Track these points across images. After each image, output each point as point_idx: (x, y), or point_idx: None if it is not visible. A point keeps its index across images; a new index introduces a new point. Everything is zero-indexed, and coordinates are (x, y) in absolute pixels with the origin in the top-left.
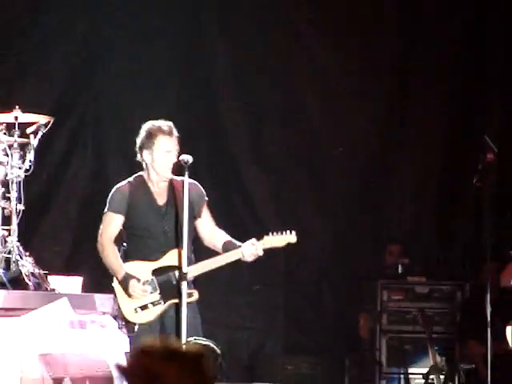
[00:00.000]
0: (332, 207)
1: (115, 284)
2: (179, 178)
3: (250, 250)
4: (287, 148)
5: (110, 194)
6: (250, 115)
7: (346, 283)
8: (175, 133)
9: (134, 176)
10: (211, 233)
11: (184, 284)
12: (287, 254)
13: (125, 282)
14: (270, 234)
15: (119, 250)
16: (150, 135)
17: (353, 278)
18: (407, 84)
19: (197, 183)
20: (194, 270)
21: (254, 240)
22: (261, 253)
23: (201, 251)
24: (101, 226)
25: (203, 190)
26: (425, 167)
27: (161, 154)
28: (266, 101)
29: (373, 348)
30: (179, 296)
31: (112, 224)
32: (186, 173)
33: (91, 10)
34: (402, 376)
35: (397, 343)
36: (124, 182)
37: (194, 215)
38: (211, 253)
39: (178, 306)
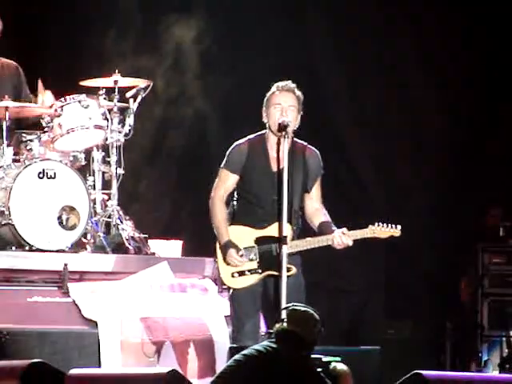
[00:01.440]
0: (432, 170)
1: (217, 245)
2: (303, 143)
3: (341, 239)
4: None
5: (229, 150)
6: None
7: (448, 246)
8: (294, 91)
9: (255, 134)
10: (314, 211)
11: (284, 251)
12: None
13: (225, 249)
14: (376, 224)
15: (228, 206)
16: (268, 94)
17: (454, 241)
18: None
19: (317, 153)
20: (294, 245)
21: (344, 229)
22: (350, 243)
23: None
24: (215, 181)
25: (321, 162)
26: None
27: (272, 110)
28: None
29: (474, 312)
30: (277, 268)
31: (227, 182)
32: (285, 137)
33: None
34: (503, 339)
35: (498, 306)
36: (244, 140)
37: (306, 187)
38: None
39: (277, 277)
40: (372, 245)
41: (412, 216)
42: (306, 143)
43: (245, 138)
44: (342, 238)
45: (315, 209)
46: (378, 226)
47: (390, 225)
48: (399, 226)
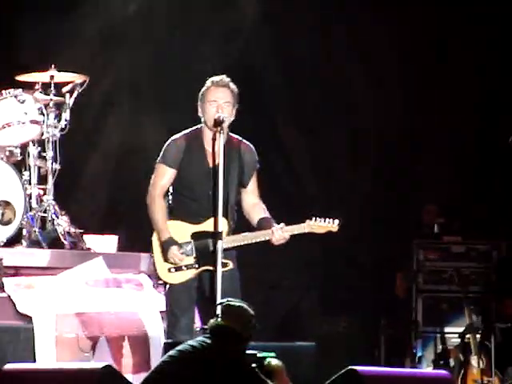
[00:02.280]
0: (369, 168)
1: (154, 240)
2: (238, 138)
3: (279, 234)
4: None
5: (166, 145)
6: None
7: (383, 243)
8: (229, 85)
9: (191, 129)
10: (252, 206)
11: (219, 246)
12: None
13: (166, 246)
14: (314, 218)
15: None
16: (203, 89)
17: (389, 237)
18: None
19: (252, 147)
20: (231, 240)
21: (282, 224)
22: (287, 237)
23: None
24: (152, 177)
25: (257, 156)
26: (461, 128)
27: (208, 106)
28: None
29: (409, 307)
30: (214, 264)
31: (164, 177)
32: (221, 132)
33: None
34: (437, 335)
35: (433, 302)
36: (180, 134)
37: (242, 182)
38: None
39: (213, 272)
40: (309, 239)
41: (349, 212)
42: (240, 138)
43: (181, 132)
44: (280, 233)
45: (253, 203)
46: (316, 220)
47: (327, 219)
48: (337, 221)
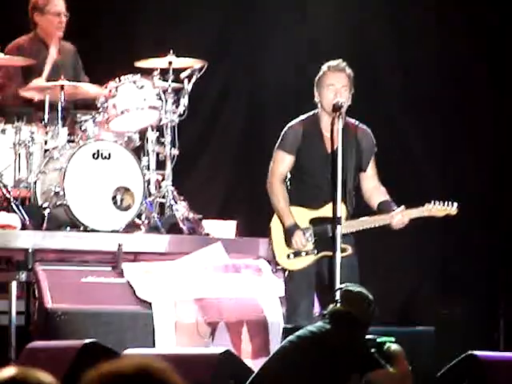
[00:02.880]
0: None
1: (274, 225)
2: (354, 122)
3: (399, 218)
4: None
5: (283, 132)
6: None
7: (504, 223)
8: (346, 70)
9: (307, 115)
10: (372, 190)
11: (338, 232)
12: None
13: (291, 231)
14: (432, 202)
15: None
16: (320, 74)
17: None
18: None
19: (369, 131)
20: (349, 226)
21: (402, 207)
22: (407, 221)
23: (360, 205)
24: (271, 164)
25: (374, 140)
26: None
27: (325, 90)
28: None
29: None
30: (333, 250)
31: (283, 164)
32: (339, 117)
33: None
34: None
35: None
36: (298, 120)
37: (360, 167)
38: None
39: (331, 258)
40: (427, 224)
41: (466, 200)
42: (357, 122)
43: (298, 118)
44: (400, 217)
45: (373, 187)
46: (434, 204)
47: (446, 202)
48: (455, 204)
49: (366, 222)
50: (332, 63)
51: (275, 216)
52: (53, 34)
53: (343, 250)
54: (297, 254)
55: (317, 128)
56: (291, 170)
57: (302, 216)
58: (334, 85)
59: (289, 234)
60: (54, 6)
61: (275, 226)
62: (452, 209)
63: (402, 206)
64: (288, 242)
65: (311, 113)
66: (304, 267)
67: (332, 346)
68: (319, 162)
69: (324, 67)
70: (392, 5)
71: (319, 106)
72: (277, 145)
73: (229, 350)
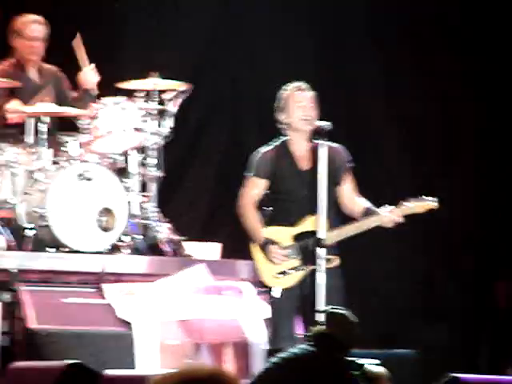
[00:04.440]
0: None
1: (253, 248)
2: (325, 143)
3: (390, 216)
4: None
5: (254, 159)
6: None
7: (486, 250)
8: (309, 90)
9: (277, 141)
10: (351, 200)
11: (322, 250)
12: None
13: (265, 248)
14: (411, 200)
15: (261, 214)
16: (286, 95)
17: (493, 245)
18: None
19: (342, 148)
20: (334, 236)
21: (393, 207)
22: (401, 219)
23: (344, 217)
24: (242, 189)
25: (348, 156)
26: None
27: (295, 108)
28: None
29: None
30: (316, 268)
31: (255, 188)
32: (324, 142)
33: None
34: None
35: None
36: (268, 147)
37: (335, 182)
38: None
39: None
40: (412, 246)
41: (451, 219)
42: (328, 142)
43: (267, 145)
44: (393, 214)
45: (351, 197)
46: (413, 201)
47: (425, 197)
48: (435, 198)
49: (355, 228)
50: (296, 84)
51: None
52: (27, 57)
53: (330, 261)
54: (283, 272)
55: (288, 150)
56: (268, 193)
57: (284, 234)
58: (303, 102)
59: (265, 250)
60: (30, 30)
61: (257, 248)
62: (433, 203)
63: (392, 206)
64: (268, 259)
65: (279, 139)
66: (289, 287)
67: (315, 368)
68: (295, 181)
69: (289, 88)
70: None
71: (287, 128)
72: (248, 171)
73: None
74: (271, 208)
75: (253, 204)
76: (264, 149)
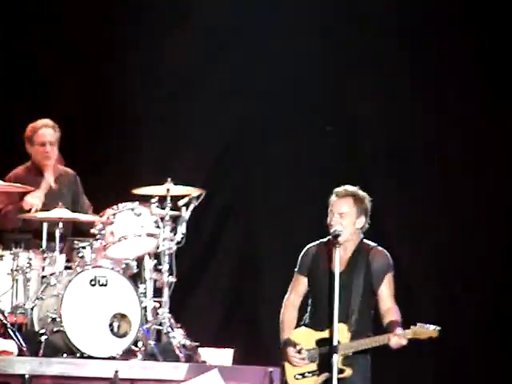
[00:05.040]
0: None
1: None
2: (370, 244)
3: (396, 340)
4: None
5: (301, 254)
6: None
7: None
8: (352, 194)
9: (326, 238)
10: (384, 311)
11: (335, 358)
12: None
13: (283, 348)
14: (418, 324)
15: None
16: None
17: None
18: None
19: (384, 253)
20: (349, 346)
21: (400, 329)
22: (405, 343)
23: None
24: (290, 284)
25: (390, 262)
26: None
27: (330, 214)
28: None
29: None
30: (331, 371)
31: (297, 285)
32: (337, 247)
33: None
34: None
35: None
36: (315, 243)
37: (371, 288)
38: None
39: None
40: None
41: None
42: (373, 244)
43: (317, 241)
44: (396, 340)
45: (387, 308)
46: (419, 326)
47: (429, 325)
48: (438, 328)
49: (364, 343)
50: (338, 189)
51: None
52: (42, 163)
53: (342, 371)
54: (303, 374)
55: (328, 249)
56: (309, 291)
57: (309, 337)
58: (333, 210)
59: (283, 350)
60: (39, 136)
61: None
62: (434, 331)
63: (399, 329)
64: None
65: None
66: None
67: None
68: (326, 284)
69: (332, 195)
70: None
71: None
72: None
73: None
74: (309, 308)
75: (293, 302)
76: (311, 244)
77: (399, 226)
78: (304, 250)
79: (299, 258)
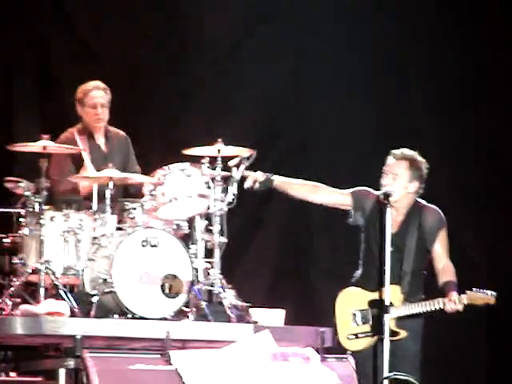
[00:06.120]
0: None
1: (338, 305)
2: (422, 203)
3: (452, 305)
4: None
5: (362, 190)
6: None
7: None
8: (406, 158)
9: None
10: (439, 270)
11: (387, 319)
12: None
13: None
14: (474, 289)
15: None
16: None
17: None
18: None
19: (436, 210)
20: (401, 310)
21: (455, 295)
22: (460, 308)
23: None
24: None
25: (442, 218)
26: None
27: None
28: None
29: None
30: (389, 333)
31: (338, 195)
32: (388, 207)
33: (296, 42)
34: None
35: None
36: (375, 192)
37: (425, 247)
38: None
39: (391, 341)
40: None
41: None
42: (424, 202)
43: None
44: (452, 305)
45: (442, 266)
46: (476, 291)
47: (486, 291)
48: (495, 293)
49: (416, 307)
50: (395, 151)
51: (340, 296)
52: (92, 125)
53: (395, 334)
54: (356, 335)
55: (379, 209)
56: (363, 250)
57: (361, 298)
58: (386, 172)
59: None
60: (90, 98)
61: (340, 306)
62: (491, 298)
63: (454, 293)
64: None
65: None
66: (362, 349)
67: None
68: (378, 243)
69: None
70: None
71: None
72: None
73: None
74: (362, 268)
75: (324, 188)
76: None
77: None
78: (366, 189)
79: (358, 190)
